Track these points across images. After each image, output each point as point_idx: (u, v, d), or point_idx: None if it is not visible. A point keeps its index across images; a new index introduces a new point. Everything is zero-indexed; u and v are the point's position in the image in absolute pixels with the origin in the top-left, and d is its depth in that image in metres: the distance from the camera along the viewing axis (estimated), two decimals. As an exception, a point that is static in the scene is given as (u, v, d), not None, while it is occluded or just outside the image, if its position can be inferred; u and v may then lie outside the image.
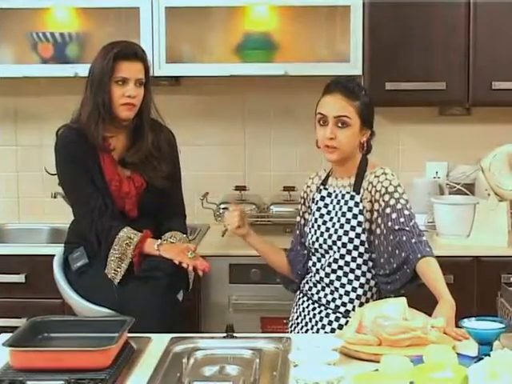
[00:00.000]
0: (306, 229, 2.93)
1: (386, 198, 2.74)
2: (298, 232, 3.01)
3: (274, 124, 4.14)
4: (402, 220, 2.70)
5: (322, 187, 2.93)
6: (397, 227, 2.69)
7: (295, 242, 3.02)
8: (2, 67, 3.91)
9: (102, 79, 3.07)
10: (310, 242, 2.89)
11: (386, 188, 2.74)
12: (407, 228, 2.69)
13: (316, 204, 2.92)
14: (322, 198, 2.91)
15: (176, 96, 3.84)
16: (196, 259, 3.00)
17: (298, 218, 3.02)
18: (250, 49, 3.82)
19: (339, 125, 2.76)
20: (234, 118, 4.15)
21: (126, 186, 3.15)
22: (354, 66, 3.70)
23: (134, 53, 3.11)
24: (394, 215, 2.71)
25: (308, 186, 2.98)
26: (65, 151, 3.14)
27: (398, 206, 2.72)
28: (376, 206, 2.75)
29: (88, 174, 3.10)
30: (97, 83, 3.08)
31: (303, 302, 2.92)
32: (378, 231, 2.75)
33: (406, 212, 2.72)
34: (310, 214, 2.94)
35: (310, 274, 2.91)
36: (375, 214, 2.76)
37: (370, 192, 2.77)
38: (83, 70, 3.74)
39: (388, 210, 2.72)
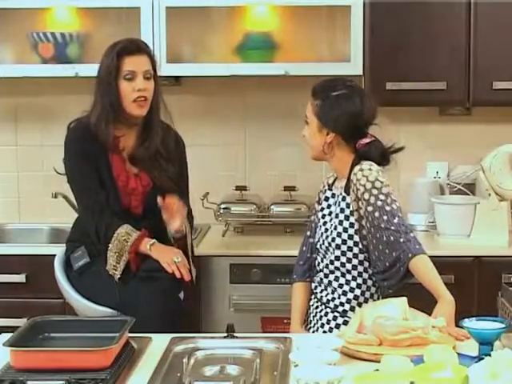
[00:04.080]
0: (316, 228, 2.95)
1: (366, 196, 2.71)
2: (308, 233, 3.00)
3: (274, 124, 4.14)
4: (385, 218, 2.68)
5: (327, 188, 2.94)
6: (382, 225, 2.67)
7: (305, 242, 3.01)
8: (2, 67, 3.91)
9: (108, 78, 3.08)
10: (315, 240, 2.92)
11: (364, 186, 2.72)
12: (393, 227, 2.66)
13: (321, 204, 2.94)
14: (326, 199, 2.92)
15: (176, 96, 3.84)
16: (181, 267, 2.99)
17: (312, 217, 3.02)
18: (251, 49, 3.82)
19: (306, 122, 2.84)
20: (234, 118, 4.15)
21: (133, 183, 3.16)
22: (354, 66, 3.70)
23: (137, 46, 3.12)
24: (376, 213, 2.69)
25: (324, 186, 2.98)
26: (74, 145, 3.16)
27: (379, 203, 2.69)
28: (360, 204, 2.74)
29: (95, 169, 3.11)
30: (103, 83, 3.09)
31: (311, 299, 2.94)
32: (367, 229, 2.74)
33: (388, 208, 2.69)
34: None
35: (316, 274, 2.92)
36: (361, 212, 2.74)
37: (354, 191, 2.76)
38: (84, 69, 3.76)
39: (370, 209, 2.70)
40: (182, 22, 3.83)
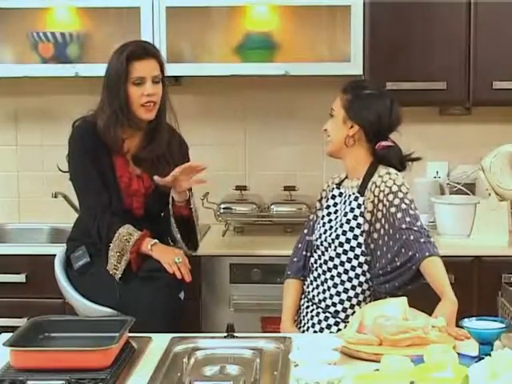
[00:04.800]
0: (316, 225, 2.94)
1: (390, 197, 2.74)
2: (305, 231, 3.02)
3: (274, 124, 4.14)
4: (408, 219, 2.70)
5: (335, 186, 2.94)
6: (404, 226, 2.69)
7: (301, 239, 3.01)
8: (2, 67, 3.91)
9: (117, 82, 3.07)
10: (315, 238, 2.92)
11: (390, 188, 2.75)
12: (415, 228, 2.68)
13: (327, 202, 2.94)
14: (333, 197, 2.93)
15: (176, 96, 3.83)
16: (182, 267, 3.00)
17: (311, 216, 3.03)
18: (251, 49, 3.82)
19: (331, 115, 2.88)
20: (234, 118, 4.15)
21: (136, 184, 3.16)
22: (354, 66, 3.70)
23: (146, 51, 3.12)
24: (399, 214, 2.71)
25: (328, 186, 2.99)
26: (78, 143, 3.16)
27: (403, 206, 2.72)
28: (380, 206, 2.75)
29: (98, 168, 3.11)
30: (112, 87, 3.08)
31: (301, 299, 2.95)
32: (382, 231, 2.75)
33: (412, 212, 2.72)
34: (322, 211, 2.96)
35: (310, 273, 2.92)
36: (379, 215, 2.76)
37: (373, 192, 2.78)
38: (84, 69, 3.77)
39: (393, 210, 2.72)
40: (182, 22, 3.83)
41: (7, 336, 2.34)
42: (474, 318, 2.31)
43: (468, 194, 3.78)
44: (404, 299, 2.45)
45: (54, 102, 4.15)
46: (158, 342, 2.45)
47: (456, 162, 4.05)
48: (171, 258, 2.99)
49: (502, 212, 3.62)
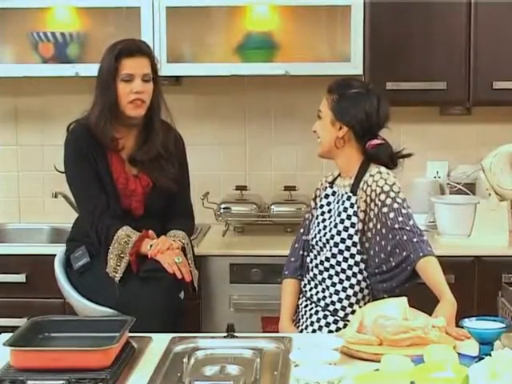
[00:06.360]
0: (311, 225, 2.95)
1: (382, 197, 2.73)
2: (301, 230, 3.02)
3: (274, 124, 4.14)
4: (400, 219, 2.70)
5: (328, 185, 2.94)
6: (397, 226, 2.68)
7: (298, 239, 3.02)
8: (2, 67, 3.91)
9: (107, 78, 3.09)
10: (310, 237, 2.92)
11: (382, 187, 2.74)
12: (407, 227, 2.68)
13: (320, 201, 2.94)
14: (327, 196, 2.93)
15: (177, 96, 3.84)
16: (182, 266, 3.00)
17: (307, 215, 3.03)
18: (251, 48, 3.82)
19: (319, 117, 2.87)
20: (234, 118, 4.15)
21: (133, 184, 3.16)
22: (354, 66, 3.70)
23: (137, 48, 3.13)
24: (391, 214, 2.71)
25: (322, 184, 2.99)
26: (73, 147, 3.16)
27: (395, 206, 2.72)
28: (372, 206, 2.75)
29: (95, 170, 3.12)
30: (103, 83, 3.10)
31: (299, 298, 2.95)
32: (374, 231, 2.75)
33: (404, 211, 2.72)
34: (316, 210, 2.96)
35: (307, 272, 2.92)
36: (371, 214, 2.76)
37: (365, 191, 2.77)
38: (84, 69, 3.77)
39: (385, 210, 2.72)
40: (182, 22, 3.83)
41: (7, 336, 2.34)
42: (474, 318, 2.31)
43: (468, 194, 3.77)
44: (404, 299, 2.45)
45: (53, 102, 4.15)
46: (158, 342, 2.45)
47: (456, 162, 4.05)
48: (171, 258, 2.99)
49: (502, 212, 3.62)
